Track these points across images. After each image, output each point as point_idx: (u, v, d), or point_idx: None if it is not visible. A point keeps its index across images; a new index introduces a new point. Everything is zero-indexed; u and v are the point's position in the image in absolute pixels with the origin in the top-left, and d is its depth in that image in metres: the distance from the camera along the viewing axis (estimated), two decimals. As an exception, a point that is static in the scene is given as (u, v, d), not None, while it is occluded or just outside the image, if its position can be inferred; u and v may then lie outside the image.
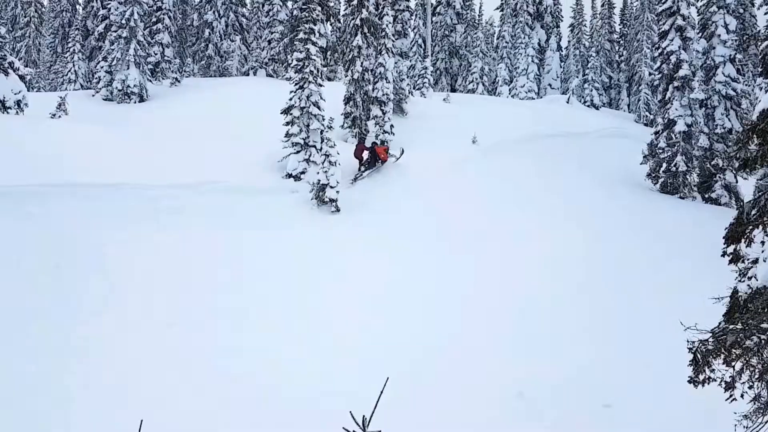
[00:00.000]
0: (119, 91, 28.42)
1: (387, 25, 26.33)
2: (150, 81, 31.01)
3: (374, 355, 10.98)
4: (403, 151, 22.36)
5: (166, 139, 21.74)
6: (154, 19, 35.54)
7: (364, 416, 2.78)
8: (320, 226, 16.37)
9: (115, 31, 29.40)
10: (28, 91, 24.77)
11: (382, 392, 2.85)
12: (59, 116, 22.82)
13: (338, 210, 17.33)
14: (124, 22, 29.13)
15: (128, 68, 28.67)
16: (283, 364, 10.74)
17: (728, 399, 6.69)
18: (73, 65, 36.33)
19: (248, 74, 37.32)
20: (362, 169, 21.00)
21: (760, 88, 21.42)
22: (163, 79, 33.20)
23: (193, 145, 21.31)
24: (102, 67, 29.51)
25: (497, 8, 53.53)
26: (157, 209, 15.38)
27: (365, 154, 20.94)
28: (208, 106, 26.15)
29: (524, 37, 47.28)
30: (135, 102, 28.42)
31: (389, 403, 4.29)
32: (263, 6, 38.50)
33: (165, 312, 11.74)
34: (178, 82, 31.15)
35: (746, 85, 28.21)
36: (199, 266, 13.30)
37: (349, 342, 11.47)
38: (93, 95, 29.45)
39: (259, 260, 13.99)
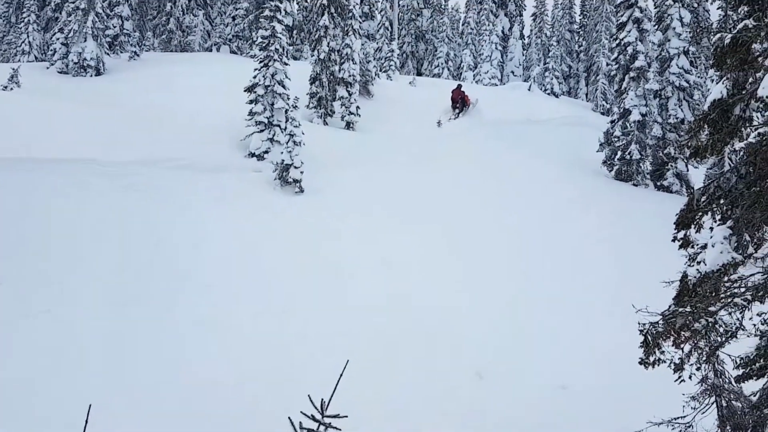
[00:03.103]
0: (75, 64, 27.68)
1: (354, 7, 26.25)
2: (108, 54, 30.28)
3: (339, 343, 11.12)
4: (477, 100, 29.55)
5: (124, 114, 21.29)
6: (114, -9, 34.59)
7: (322, 399, 2.74)
8: (283, 206, 16.34)
9: (73, 2, 28.57)
10: (-20, 61, 23.94)
11: (341, 375, 2.94)
12: (11, 88, 22.15)
13: (302, 191, 17.32)
14: (82, -8, 28.32)
15: (85, 41, 27.93)
16: (239, 354, 10.79)
17: (677, 380, 6.94)
18: (28, 36, 35.24)
19: (211, 50, 36.71)
20: (457, 111, 28.42)
21: (712, 80, 22.14)
22: (121, 52, 32.43)
23: (152, 121, 20.92)
24: (58, 39, 28.71)
25: (462, -6, 53.73)
26: (116, 186, 15.09)
27: (459, 100, 28.45)
28: (169, 82, 25.67)
29: (488, 25, 47.61)
30: (91, 75, 27.74)
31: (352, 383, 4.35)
32: (227, -19, 37.86)
33: (111, 294, 11.33)
34: (137, 56, 30.50)
35: (698, 76, 29.09)
36: (158, 247, 13.11)
37: (313, 328, 11.57)
38: (47, 68, 28.62)
39: (220, 240, 13.91)
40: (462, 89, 29.17)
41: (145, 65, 29.17)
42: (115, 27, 34.06)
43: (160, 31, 38.50)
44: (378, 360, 10.52)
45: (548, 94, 43.26)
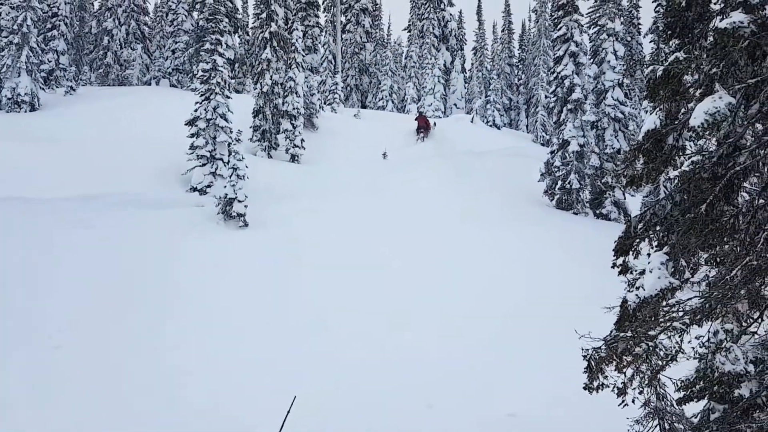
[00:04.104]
0: (9, 99, 26.85)
1: (297, 40, 26.35)
2: (43, 89, 29.48)
3: (293, 374, 10.86)
4: (435, 123, 34.84)
5: (60, 150, 20.65)
6: (49, 26, 33.90)
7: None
8: (227, 241, 16.02)
9: (6, 37, 27.81)
10: None
11: (288, 411, 2.84)
12: (-60, 123, 21.19)
13: (246, 225, 17.04)
14: (16, 27, 27.62)
15: (19, 76, 27.15)
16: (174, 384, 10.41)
17: (621, 405, 6.99)
18: (-43, 70, 33.84)
19: (150, 84, 36.14)
20: (421, 135, 31.92)
21: (646, 111, 23.01)
22: (57, 87, 31.62)
23: (89, 156, 20.36)
24: (-10, 74, 27.76)
25: (405, 29, 54.80)
26: (61, 222, 14.60)
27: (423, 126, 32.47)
28: (106, 116, 25.12)
29: (431, 58, 48.57)
30: (26, 111, 26.91)
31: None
32: (167, 15, 37.52)
33: (47, 334, 10.95)
34: (74, 90, 29.78)
35: (633, 108, 30.28)
36: (95, 286, 12.63)
37: (254, 366, 11.27)
38: (-22, 103, 27.58)
39: (160, 278, 13.50)
40: (426, 117, 34.25)
41: (82, 100, 28.48)
42: (50, 61, 33.33)
43: (97, 65, 37.78)
44: (326, 394, 10.30)
45: (490, 125, 44.22)
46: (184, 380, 10.37)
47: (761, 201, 5.70)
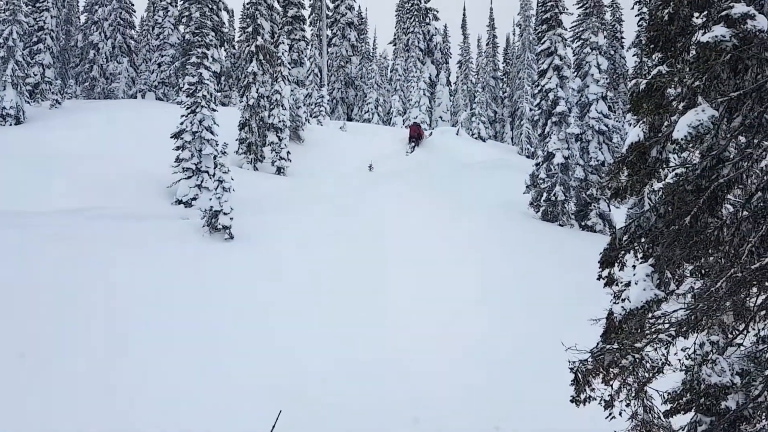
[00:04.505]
0: (-7, 112, 26.60)
1: (283, 53, 26.39)
2: (28, 103, 29.28)
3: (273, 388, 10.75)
4: (432, 132, 36.80)
5: (46, 163, 20.47)
6: (34, 39, 33.76)
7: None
8: (212, 254, 15.89)
9: (-9, 50, 27.62)
10: None
11: (274, 426, 2.80)
12: None
13: (232, 237, 16.93)
14: (1, 41, 27.55)
15: (4, 89, 26.97)
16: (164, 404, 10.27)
17: (608, 417, 6.97)
18: (-60, 83, 33.52)
19: (136, 97, 36.00)
20: (413, 144, 32.58)
21: (629, 124, 23.26)
22: (42, 100, 31.42)
23: (75, 170, 20.19)
24: (-26, 87, 27.52)
25: (390, 42, 55.16)
26: (40, 237, 14.39)
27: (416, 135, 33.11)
28: (92, 129, 24.96)
29: (416, 71, 48.81)
30: (11, 125, 26.67)
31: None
32: (153, 29, 37.48)
33: (18, 342, 10.71)
34: (59, 104, 29.59)
35: (617, 120, 30.58)
36: (78, 300, 12.44)
37: (239, 376, 11.16)
38: (-38, 116, 27.30)
39: (145, 291, 13.34)
40: (419, 126, 34.61)
41: (68, 113, 28.30)
42: (35, 75, 33.19)
43: (83, 79, 37.59)
44: (313, 406, 10.20)
45: (475, 138, 44.42)
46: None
47: (745, 213, 5.74)
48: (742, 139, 5.85)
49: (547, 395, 9.71)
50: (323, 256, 16.40)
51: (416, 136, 33.40)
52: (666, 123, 6.46)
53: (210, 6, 29.92)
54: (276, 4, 28.91)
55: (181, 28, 34.84)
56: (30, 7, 34.15)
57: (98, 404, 9.74)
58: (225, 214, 16.91)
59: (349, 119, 46.55)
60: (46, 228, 15.07)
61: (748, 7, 5.53)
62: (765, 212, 5.66)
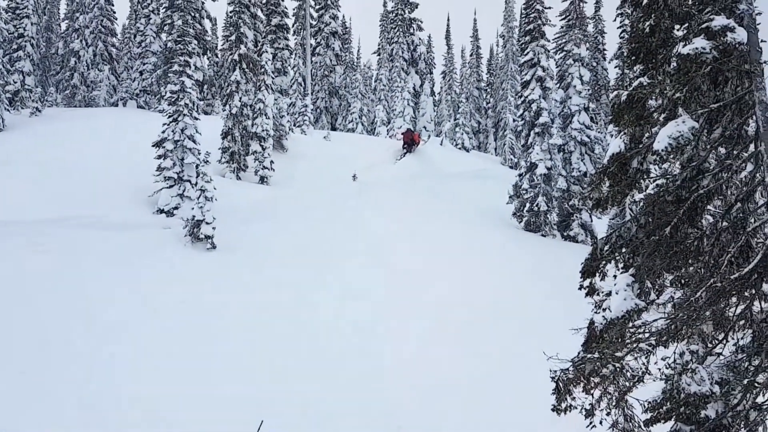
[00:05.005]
0: (-30, 119, 26.22)
1: (266, 62, 26.35)
2: (8, 110, 28.91)
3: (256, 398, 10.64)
4: (429, 137, 35.77)
5: (25, 171, 20.21)
6: (15, 46, 33.45)
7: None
8: (194, 263, 15.74)
9: (-31, 56, 27.26)
10: None
11: None
12: None
13: (214, 247, 16.78)
14: (-21, 47, 27.15)
15: (-18, 95, 26.60)
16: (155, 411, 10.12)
17: (589, 426, 6.96)
18: None
19: (117, 105, 35.72)
20: (404, 150, 32.53)
21: (611, 135, 23.46)
22: (22, 108, 31.09)
23: (55, 178, 19.95)
24: (-49, 94, 27.16)
25: (374, 52, 55.29)
26: (16, 247, 14.17)
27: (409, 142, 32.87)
28: (72, 138, 24.69)
29: (400, 81, 48.95)
30: (-11, 131, 26.30)
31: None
32: (135, 36, 37.26)
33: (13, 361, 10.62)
34: (39, 112, 29.28)
35: (599, 132, 30.85)
36: (57, 312, 12.25)
37: (224, 388, 11.04)
38: (-61, 122, 26.88)
39: (126, 303, 13.17)
40: (412, 133, 34.23)
41: (48, 121, 28.00)
42: (15, 82, 32.86)
43: (64, 86, 37.24)
44: (298, 417, 10.11)
45: (459, 148, 44.59)
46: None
47: (725, 223, 5.80)
48: (722, 150, 5.91)
49: (531, 404, 9.70)
50: (305, 265, 16.32)
51: (409, 142, 33.20)
52: (647, 134, 6.52)
53: (193, 14, 29.80)
54: (260, 13, 28.86)
55: (164, 36, 34.62)
56: (10, 14, 33.84)
57: (78, 420, 9.58)
58: (207, 223, 16.77)
59: (333, 129, 46.54)
60: (22, 237, 14.85)
61: (729, 20, 5.61)
62: (744, 223, 5.72)
